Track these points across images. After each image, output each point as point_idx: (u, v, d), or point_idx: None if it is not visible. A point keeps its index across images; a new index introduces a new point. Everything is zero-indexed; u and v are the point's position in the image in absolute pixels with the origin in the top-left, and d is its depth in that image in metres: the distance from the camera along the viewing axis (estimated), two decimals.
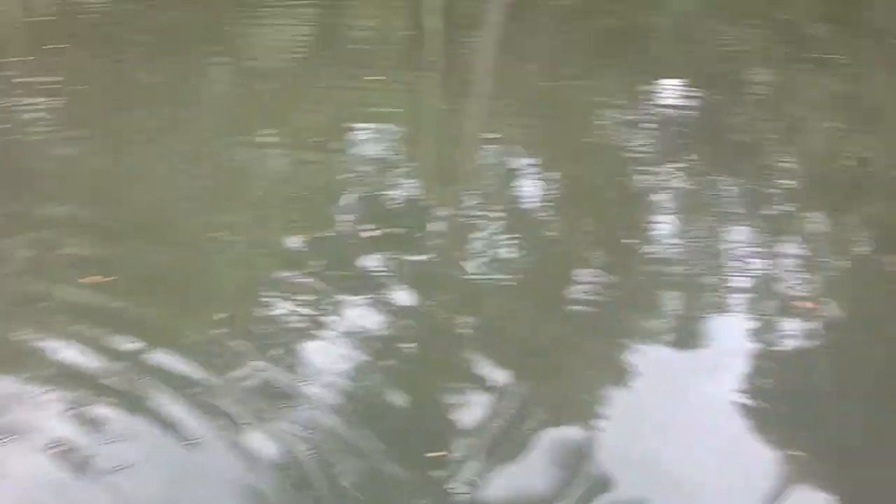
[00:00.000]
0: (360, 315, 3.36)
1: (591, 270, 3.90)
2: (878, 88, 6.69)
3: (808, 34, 8.34)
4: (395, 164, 5.48)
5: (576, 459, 2.53)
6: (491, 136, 5.87)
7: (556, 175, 5.20)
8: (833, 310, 3.66)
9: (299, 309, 3.46)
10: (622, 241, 4.22)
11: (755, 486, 2.44)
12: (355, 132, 5.79)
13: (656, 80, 6.86)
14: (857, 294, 3.81)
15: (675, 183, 4.95)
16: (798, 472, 2.50)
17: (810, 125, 6.07)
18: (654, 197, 4.76)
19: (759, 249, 4.10)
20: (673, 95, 6.57)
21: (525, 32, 8.47)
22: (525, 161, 5.45)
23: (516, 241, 4.29)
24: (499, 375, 2.97)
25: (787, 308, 3.58)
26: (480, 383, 2.93)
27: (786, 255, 4.07)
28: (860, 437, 2.74)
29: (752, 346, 3.27)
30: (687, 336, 3.40)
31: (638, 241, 4.20)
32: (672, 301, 3.72)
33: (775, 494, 2.41)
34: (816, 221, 4.59)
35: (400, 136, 5.94)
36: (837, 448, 2.69)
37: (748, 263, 3.92)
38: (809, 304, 3.57)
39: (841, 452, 2.66)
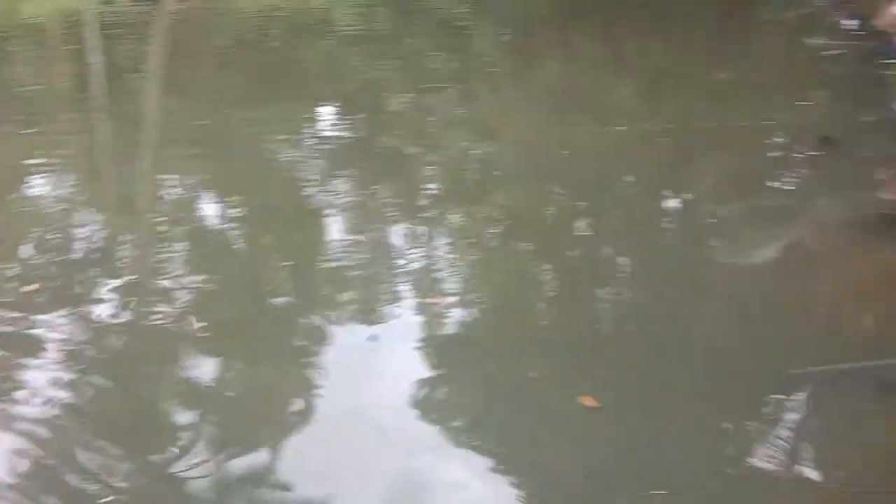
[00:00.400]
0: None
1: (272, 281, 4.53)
2: (488, 108, 8.44)
3: (429, 66, 10.16)
4: (66, 208, 5.69)
5: None
6: (163, 171, 6.38)
7: (235, 199, 5.77)
8: (460, 303, 4.16)
9: None
10: (298, 255, 4.82)
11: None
12: (20, 183, 5.90)
13: (313, 108, 7.95)
14: (492, 285, 4.57)
15: (337, 196, 5.81)
16: None
17: (442, 141, 7.52)
18: (320, 210, 5.52)
19: (412, 250, 4.80)
20: (328, 120, 7.70)
21: (188, 71, 9.11)
22: (201, 190, 6.06)
23: (204, 265, 4.71)
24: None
25: (423, 306, 4.11)
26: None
27: (429, 256, 4.76)
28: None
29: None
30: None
31: (313, 254, 4.85)
32: (344, 300, 4.30)
33: None
34: (457, 221, 5.49)
35: (68, 180, 6.21)
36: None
37: (400, 264, 4.59)
38: (441, 301, 4.11)
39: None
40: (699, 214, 5.51)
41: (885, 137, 6.39)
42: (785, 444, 2.81)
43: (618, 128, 7.00)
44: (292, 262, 4.71)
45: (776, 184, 5.94)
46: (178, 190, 6.08)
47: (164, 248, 4.87)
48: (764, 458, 2.76)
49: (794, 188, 5.90)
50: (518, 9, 15.12)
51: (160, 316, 3.96)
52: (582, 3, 15.11)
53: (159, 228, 5.21)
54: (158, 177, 6.35)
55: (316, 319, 4.02)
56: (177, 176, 6.21)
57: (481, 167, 6.59)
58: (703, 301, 4.18)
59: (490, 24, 13.66)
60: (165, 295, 4.20)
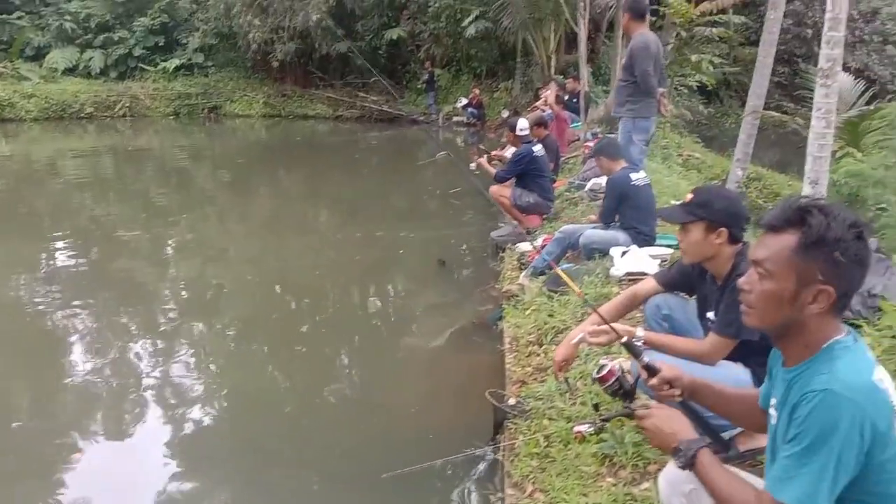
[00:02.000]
0: None
1: None
2: (213, 234, 10.08)
3: (157, 203, 11.75)
4: None
5: None
6: None
7: None
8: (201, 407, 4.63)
9: None
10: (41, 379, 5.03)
11: None
12: None
13: (45, 243, 8.54)
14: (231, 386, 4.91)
15: (78, 320, 6.05)
16: None
17: (174, 263, 8.70)
18: (63, 334, 5.77)
19: (155, 364, 5.19)
20: (63, 251, 8.31)
21: None
22: None
23: None
24: None
25: (168, 412, 4.51)
26: None
27: (171, 367, 5.14)
28: None
29: None
30: None
31: (59, 377, 5.01)
32: None
33: None
34: (197, 332, 5.94)
35: None
36: None
37: (144, 377, 4.93)
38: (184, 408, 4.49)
39: None
40: (343, 328, 6.04)
41: (486, 259, 7.38)
42: None
43: (319, 243, 8.54)
44: (36, 386, 4.95)
45: (402, 298, 6.87)
46: None
47: None
48: None
49: (415, 301, 6.66)
50: (233, 153, 17.70)
51: None
52: (287, 149, 18.24)
53: None
54: None
55: (67, 438, 4.17)
56: None
57: (213, 284, 7.23)
58: (313, 413, 4.48)
59: (209, 167, 15.94)
60: None
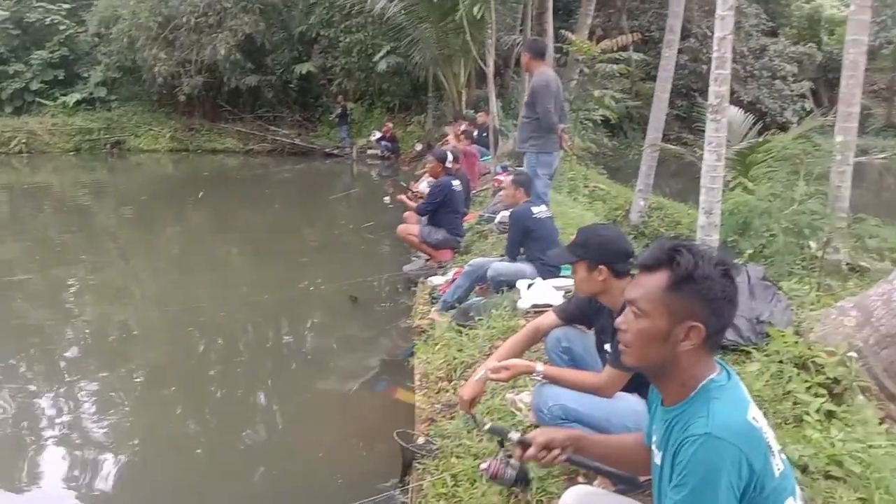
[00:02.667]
0: None
1: None
2: (119, 274, 9.81)
3: (58, 242, 11.23)
4: None
5: None
6: None
7: None
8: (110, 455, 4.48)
9: None
10: None
11: None
12: None
13: None
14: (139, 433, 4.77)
15: None
16: None
17: (77, 307, 8.41)
18: None
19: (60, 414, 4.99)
20: None
21: None
22: None
23: None
24: None
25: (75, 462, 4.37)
26: None
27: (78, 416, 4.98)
28: None
29: None
30: None
31: None
32: None
33: None
34: (102, 379, 5.67)
35: None
36: None
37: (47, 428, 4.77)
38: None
39: None
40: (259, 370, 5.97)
41: (400, 294, 7.37)
42: None
43: (228, 282, 8.34)
44: None
45: (313, 338, 6.83)
46: None
47: None
48: None
49: (327, 340, 6.63)
50: (135, 190, 17.05)
51: None
52: (194, 184, 17.50)
53: None
54: None
55: None
56: None
57: (117, 326, 6.96)
58: (222, 458, 4.37)
59: (112, 203, 15.26)
60: None
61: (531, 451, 2.03)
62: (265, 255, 10.00)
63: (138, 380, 5.72)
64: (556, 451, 2.01)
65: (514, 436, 2.15)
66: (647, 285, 1.63)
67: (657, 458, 1.69)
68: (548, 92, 6.17)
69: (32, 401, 5.17)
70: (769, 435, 1.56)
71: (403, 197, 8.07)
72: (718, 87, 5.82)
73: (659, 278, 1.61)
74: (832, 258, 6.05)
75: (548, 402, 2.66)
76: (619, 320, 1.71)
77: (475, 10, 10.46)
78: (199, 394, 5.43)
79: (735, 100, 24.08)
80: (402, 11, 15.03)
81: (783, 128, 17.37)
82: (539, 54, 6.40)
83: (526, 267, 5.28)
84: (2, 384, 5.46)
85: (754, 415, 1.56)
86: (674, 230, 10.52)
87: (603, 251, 2.71)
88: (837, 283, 5.12)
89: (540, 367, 2.70)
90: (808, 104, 24.19)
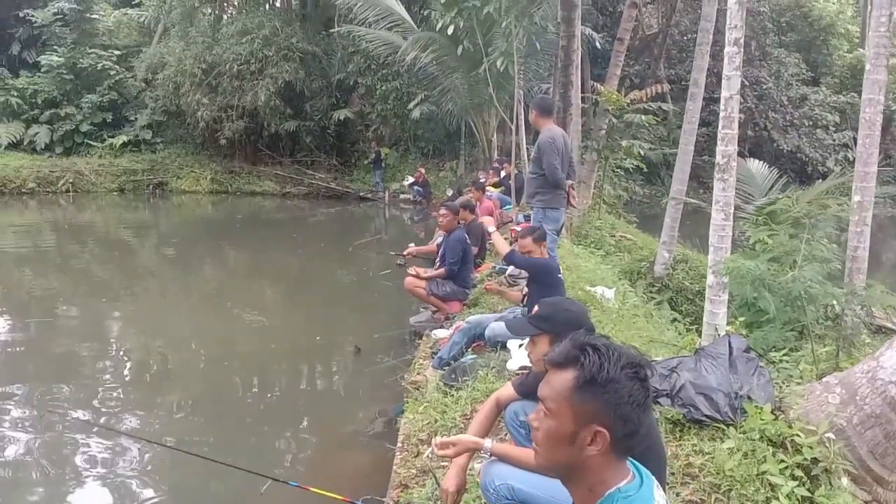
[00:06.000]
0: None
1: None
2: (157, 309, 10.07)
3: (99, 277, 11.61)
4: None
5: None
6: None
7: None
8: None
9: None
10: None
11: None
12: None
13: None
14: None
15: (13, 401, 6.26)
16: None
17: (118, 341, 8.69)
18: None
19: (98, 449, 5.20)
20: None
21: None
22: None
23: None
24: None
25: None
26: None
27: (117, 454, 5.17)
28: None
29: None
30: None
31: None
32: None
33: None
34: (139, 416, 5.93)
35: None
36: None
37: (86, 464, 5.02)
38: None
39: None
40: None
41: (405, 345, 7.32)
42: None
43: (264, 319, 8.56)
44: None
45: (309, 392, 6.85)
46: None
47: None
48: None
49: (322, 394, 6.69)
50: (176, 230, 17.59)
51: None
52: (229, 227, 18.13)
53: None
54: None
55: None
56: None
57: (158, 361, 7.30)
58: None
59: (153, 242, 15.81)
60: None
61: None
62: (279, 302, 10.16)
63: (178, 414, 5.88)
64: None
65: None
66: (555, 384, 1.54)
67: None
68: (553, 148, 6.17)
69: (69, 432, 5.39)
70: None
71: (419, 271, 7.34)
72: (725, 146, 5.75)
73: (566, 377, 1.52)
74: (852, 319, 5.83)
75: (494, 482, 2.60)
76: (531, 416, 1.63)
77: (498, 63, 10.59)
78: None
79: (775, 149, 23.98)
80: (434, 62, 15.31)
81: (825, 177, 17.04)
82: (546, 111, 6.43)
83: None
84: (43, 416, 5.65)
85: None
86: (699, 284, 10.28)
87: (568, 327, 2.59)
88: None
89: (488, 443, 2.65)
90: (851, 154, 23.66)
